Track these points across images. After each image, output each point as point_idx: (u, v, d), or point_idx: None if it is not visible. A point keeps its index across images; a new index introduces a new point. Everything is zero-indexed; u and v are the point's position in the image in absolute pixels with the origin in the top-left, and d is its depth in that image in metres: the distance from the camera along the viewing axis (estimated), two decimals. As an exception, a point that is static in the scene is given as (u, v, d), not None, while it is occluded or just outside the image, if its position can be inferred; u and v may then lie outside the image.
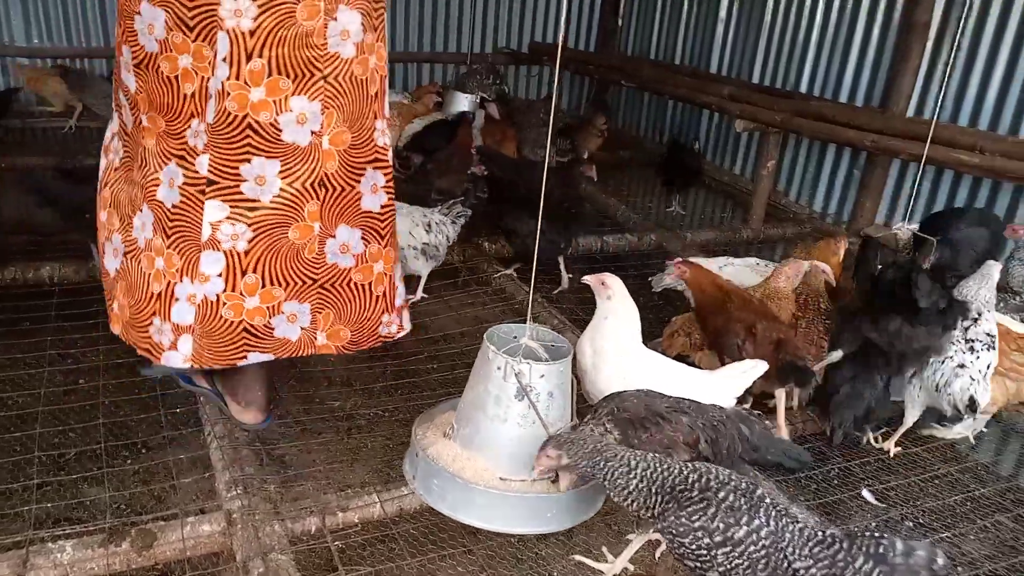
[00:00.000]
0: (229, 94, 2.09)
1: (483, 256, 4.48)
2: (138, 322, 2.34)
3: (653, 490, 1.86)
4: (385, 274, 2.54)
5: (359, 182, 2.38)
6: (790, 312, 3.17)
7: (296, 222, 2.29)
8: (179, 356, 2.33)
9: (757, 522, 1.75)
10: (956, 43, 4.78)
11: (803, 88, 6.01)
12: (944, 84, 4.87)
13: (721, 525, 1.76)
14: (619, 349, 2.63)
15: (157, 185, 2.20)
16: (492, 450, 2.34)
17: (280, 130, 2.16)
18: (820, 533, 1.73)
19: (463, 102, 6.43)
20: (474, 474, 2.32)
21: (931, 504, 2.72)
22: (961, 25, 4.77)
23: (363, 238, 2.45)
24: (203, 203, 2.18)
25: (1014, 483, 2.89)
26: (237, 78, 2.08)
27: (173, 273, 2.26)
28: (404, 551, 2.28)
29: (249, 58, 2.06)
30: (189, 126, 2.15)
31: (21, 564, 2.01)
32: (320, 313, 2.45)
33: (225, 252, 2.25)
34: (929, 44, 4.91)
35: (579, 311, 3.88)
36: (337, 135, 2.27)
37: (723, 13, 6.93)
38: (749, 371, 2.67)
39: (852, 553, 1.67)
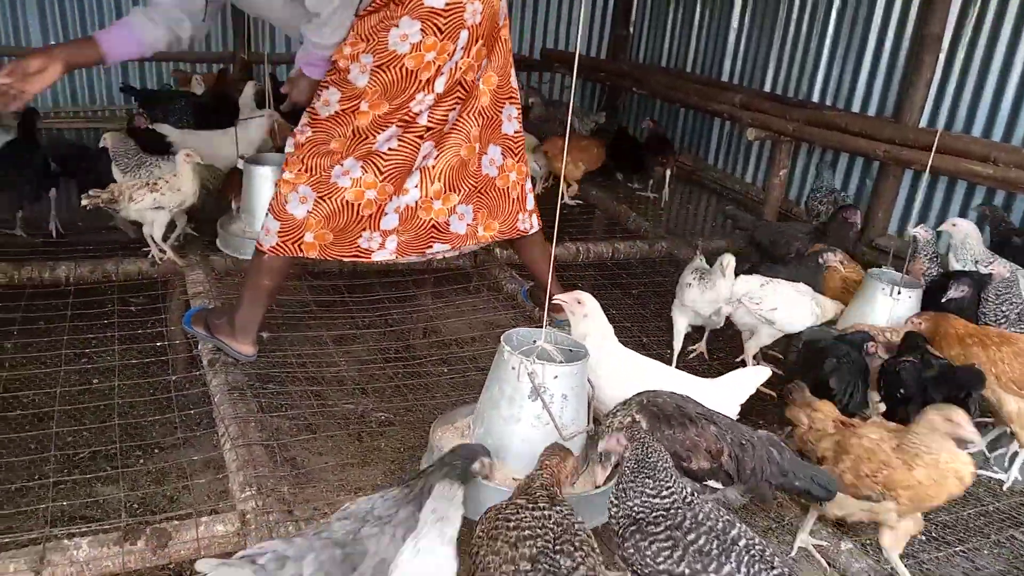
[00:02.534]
0: (461, 68, 2.91)
1: (496, 262, 4.49)
2: (344, 239, 3.06)
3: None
4: (517, 182, 3.38)
5: (501, 112, 3.23)
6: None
7: (466, 143, 3.13)
8: (386, 252, 3.15)
9: (727, 569, 1.71)
10: (968, 54, 4.78)
11: (815, 97, 6.02)
12: (956, 94, 4.87)
13: (687, 571, 1.72)
14: (610, 360, 2.65)
15: (371, 144, 2.92)
16: (505, 449, 2.35)
17: (467, 75, 2.95)
18: None
19: None
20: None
21: (945, 518, 2.71)
22: (970, 36, 4.78)
23: (502, 153, 3.30)
24: (420, 145, 2.99)
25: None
26: (467, 56, 2.89)
27: (384, 197, 3.03)
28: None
29: (476, 41, 2.89)
30: (414, 99, 2.87)
31: (38, 560, 2.02)
32: (479, 212, 3.30)
33: (420, 169, 3.06)
34: (942, 56, 4.91)
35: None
36: (488, 78, 3.11)
37: (735, 22, 6.95)
38: (752, 379, 2.67)
39: None
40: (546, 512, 1.82)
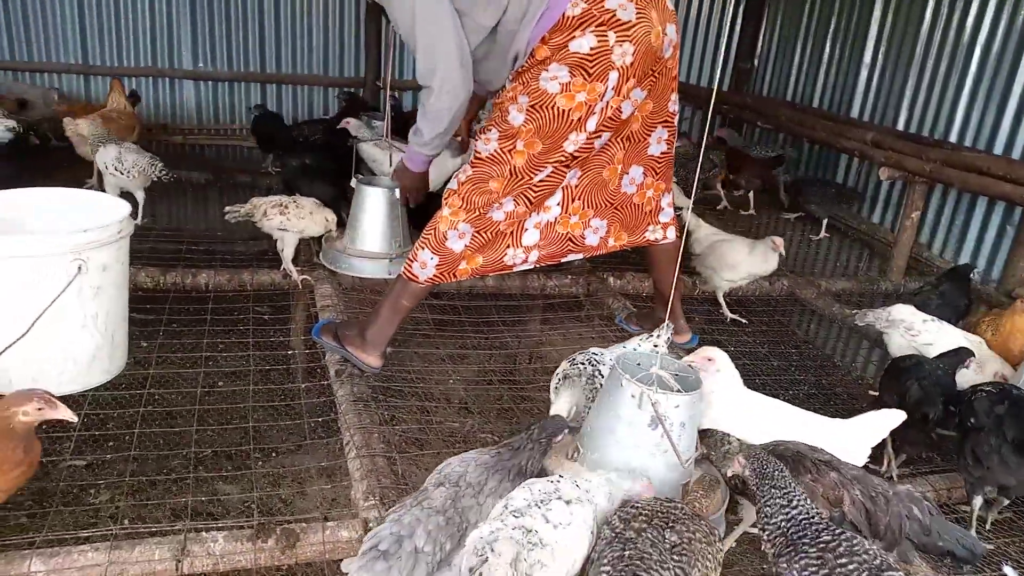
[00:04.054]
0: (612, 107, 2.96)
1: (608, 290, 4.48)
2: (493, 259, 3.25)
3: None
4: (653, 198, 3.49)
5: (651, 135, 3.31)
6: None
7: (609, 165, 3.26)
8: (528, 264, 3.33)
9: None
10: None
11: (953, 137, 5.73)
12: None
13: None
14: (743, 409, 2.61)
15: (527, 181, 3.05)
16: (624, 476, 2.34)
17: (621, 111, 3.01)
18: None
19: None
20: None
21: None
22: None
23: (644, 172, 3.39)
24: (567, 173, 3.13)
25: None
26: (618, 95, 2.93)
27: (524, 217, 3.19)
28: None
29: (627, 80, 2.91)
30: (567, 139, 2.96)
31: (179, 550, 2.14)
32: (612, 225, 3.45)
33: (562, 188, 3.21)
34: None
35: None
36: (644, 105, 3.16)
37: (867, 57, 6.73)
38: (883, 421, 2.58)
39: None
40: (677, 504, 1.97)
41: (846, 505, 2.15)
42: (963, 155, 5.01)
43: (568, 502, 1.96)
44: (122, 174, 4.64)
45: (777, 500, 1.95)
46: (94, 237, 2.90)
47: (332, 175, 4.84)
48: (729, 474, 2.18)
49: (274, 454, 2.84)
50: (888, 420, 2.58)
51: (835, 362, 4.16)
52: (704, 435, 2.47)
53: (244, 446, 2.85)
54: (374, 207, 4.37)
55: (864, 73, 6.77)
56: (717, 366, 2.68)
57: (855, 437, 2.55)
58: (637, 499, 2.06)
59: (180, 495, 2.55)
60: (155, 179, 4.82)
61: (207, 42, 7.67)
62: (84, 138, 5.03)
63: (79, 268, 2.84)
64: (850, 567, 1.78)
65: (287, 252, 4.15)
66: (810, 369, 3.91)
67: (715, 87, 2.70)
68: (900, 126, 6.27)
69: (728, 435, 2.59)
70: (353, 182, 4.52)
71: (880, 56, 6.62)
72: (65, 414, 2.14)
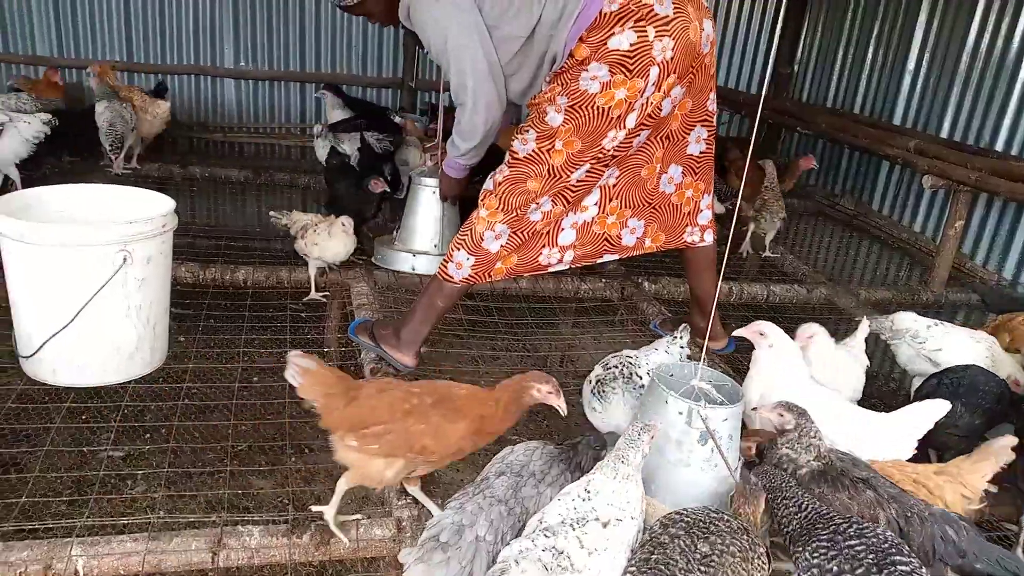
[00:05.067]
0: (652, 103, 2.91)
1: (643, 295, 4.45)
2: (528, 259, 3.23)
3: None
4: (692, 199, 3.44)
5: (689, 135, 3.26)
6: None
7: (648, 164, 3.20)
8: (563, 264, 3.32)
9: None
10: None
11: (999, 146, 5.60)
12: None
13: (835, 569, 1.79)
14: (791, 392, 2.58)
15: (565, 180, 3.03)
16: (672, 494, 2.31)
17: (660, 108, 2.98)
18: None
19: None
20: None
21: None
22: None
23: (683, 172, 3.35)
24: (604, 171, 3.10)
25: None
26: (658, 91, 2.89)
27: (560, 217, 3.17)
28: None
29: (668, 76, 2.87)
30: (606, 136, 2.93)
31: (215, 542, 2.17)
32: (649, 225, 3.39)
33: (600, 187, 3.16)
34: None
35: (741, 358, 3.77)
36: (683, 103, 3.13)
37: (911, 64, 6.60)
38: (929, 413, 2.58)
39: None
40: (725, 515, 1.97)
41: (881, 524, 2.13)
42: (1010, 164, 4.89)
43: (605, 524, 1.90)
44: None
45: (790, 508, 2.03)
46: (139, 229, 2.96)
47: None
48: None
49: (307, 450, 2.85)
50: (933, 412, 2.57)
51: (872, 372, 4.07)
52: (798, 412, 2.40)
53: (278, 441, 2.87)
54: (426, 206, 4.39)
55: (907, 79, 6.64)
56: (770, 341, 2.72)
57: (899, 429, 2.57)
58: (686, 508, 2.04)
59: (215, 488, 2.57)
60: None
61: (249, 41, 7.77)
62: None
63: (124, 259, 2.89)
64: (858, 547, 1.83)
65: (310, 270, 4.12)
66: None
67: (763, 92, 2.65)
68: (944, 134, 6.14)
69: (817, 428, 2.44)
70: (413, 176, 4.57)
71: (924, 62, 6.49)
72: (561, 406, 2.29)
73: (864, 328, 3.26)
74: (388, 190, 4.57)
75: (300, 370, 2.26)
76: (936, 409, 2.58)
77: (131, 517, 2.38)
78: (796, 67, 8.18)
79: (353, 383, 2.36)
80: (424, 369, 3.38)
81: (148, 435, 2.83)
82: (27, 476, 2.52)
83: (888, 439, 2.57)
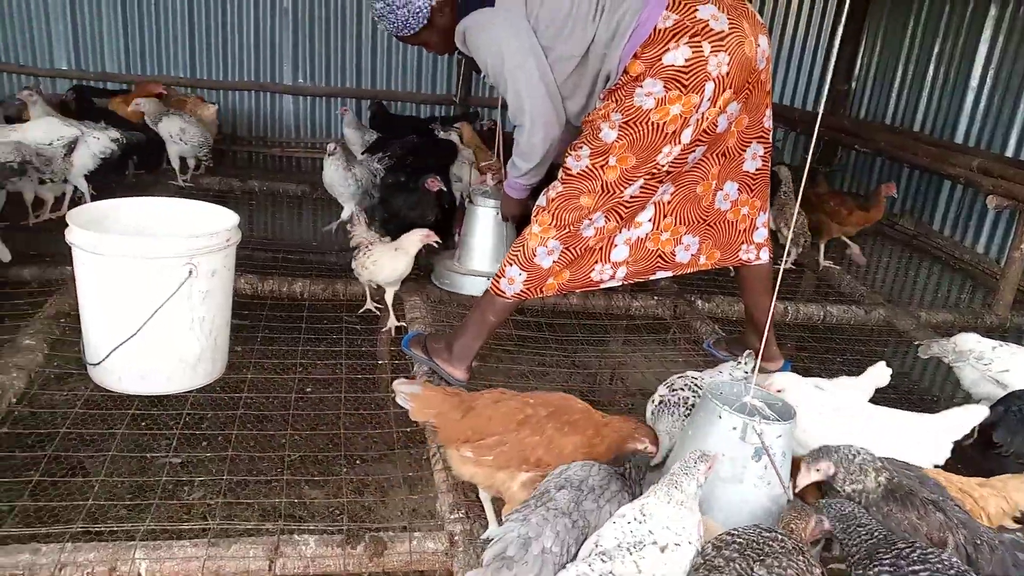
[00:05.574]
0: (708, 119, 2.92)
1: (696, 313, 4.41)
2: (580, 275, 3.25)
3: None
4: (748, 216, 3.40)
5: (746, 150, 3.23)
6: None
7: (703, 180, 3.19)
8: (615, 281, 3.32)
9: None
10: None
11: (1069, 165, 5.43)
12: None
13: None
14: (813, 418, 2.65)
15: (619, 196, 3.04)
16: (724, 511, 2.28)
17: (716, 124, 2.98)
18: None
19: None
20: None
21: None
22: None
23: (739, 189, 3.32)
24: (659, 187, 3.09)
25: None
26: (713, 106, 2.89)
27: (614, 233, 3.18)
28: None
29: (724, 91, 2.87)
30: (661, 152, 2.94)
31: (272, 550, 2.21)
32: (704, 242, 3.37)
33: (654, 203, 3.17)
34: None
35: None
36: (739, 120, 3.10)
37: (974, 81, 6.44)
38: (968, 418, 2.62)
39: None
40: (778, 535, 1.93)
41: (949, 548, 2.08)
42: (1081, 184, 4.74)
43: (663, 548, 1.87)
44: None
45: (861, 535, 1.99)
46: (205, 243, 3.04)
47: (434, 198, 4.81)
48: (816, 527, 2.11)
49: (359, 461, 2.88)
50: (971, 416, 2.62)
51: (934, 396, 3.97)
52: (825, 453, 2.36)
53: (331, 452, 2.91)
54: (484, 226, 4.41)
55: (971, 96, 6.48)
56: (780, 390, 2.70)
57: (937, 431, 2.60)
58: (737, 528, 2.01)
59: (269, 497, 2.61)
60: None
61: (307, 59, 7.96)
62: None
63: (190, 272, 2.98)
64: (922, 573, 1.80)
65: (364, 287, 4.14)
66: (906, 403, 3.73)
67: (820, 109, 2.56)
68: (1009, 152, 5.97)
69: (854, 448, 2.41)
70: (466, 201, 4.58)
71: (989, 79, 6.33)
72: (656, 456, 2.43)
73: (878, 371, 3.05)
74: (444, 188, 4.59)
75: (408, 396, 2.34)
76: (975, 414, 2.61)
77: (189, 523, 2.43)
78: (853, 84, 8.05)
79: (466, 396, 2.42)
80: (473, 383, 3.39)
81: (206, 443, 2.89)
82: (92, 480, 2.60)
83: (924, 441, 2.58)
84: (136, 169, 6.15)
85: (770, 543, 1.88)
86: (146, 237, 3.16)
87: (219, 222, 3.28)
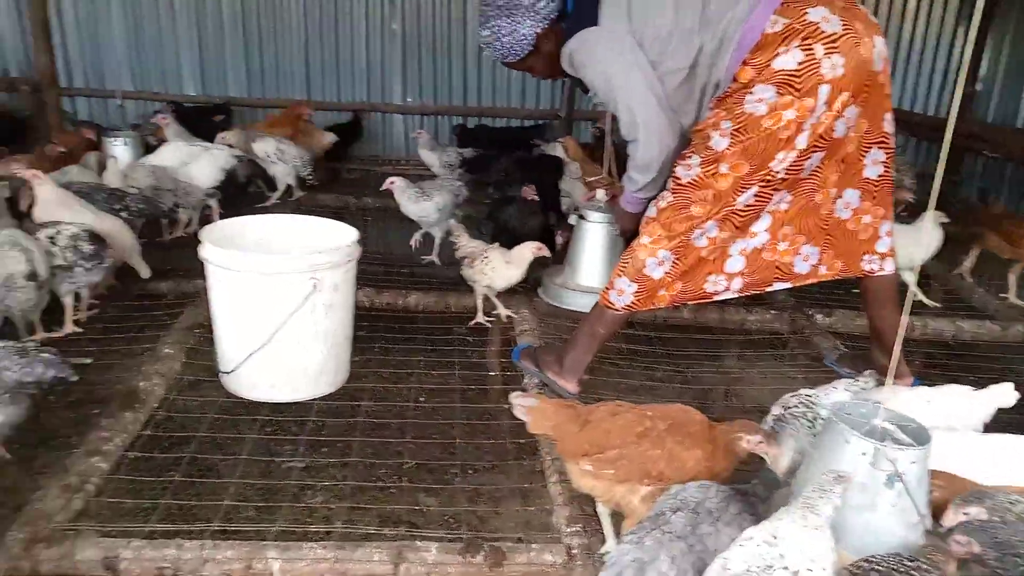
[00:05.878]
0: (824, 123, 2.83)
1: (815, 328, 4.24)
2: (693, 286, 3.19)
3: None
4: (870, 225, 3.24)
5: (865, 156, 3.10)
6: None
7: (822, 188, 3.08)
8: (730, 293, 3.24)
9: None
10: None
11: None
12: None
13: None
14: None
15: (732, 204, 2.98)
16: (856, 540, 2.17)
17: (834, 129, 2.88)
18: None
19: None
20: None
21: None
22: None
23: (860, 197, 3.17)
24: (773, 195, 3.01)
25: None
26: (830, 110, 2.80)
27: (728, 243, 3.11)
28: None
29: (840, 94, 2.78)
30: (774, 158, 2.87)
31: (397, 555, 2.27)
32: (824, 252, 3.25)
33: (771, 212, 3.07)
34: None
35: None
36: (859, 125, 2.99)
37: (1119, 78, 5.97)
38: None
39: None
40: (922, 565, 1.84)
41: None
42: None
43: (795, 573, 1.77)
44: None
45: (1019, 563, 1.88)
46: (328, 259, 3.17)
47: (538, 207, 4.88)
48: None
49: (471, 471, 2.92)
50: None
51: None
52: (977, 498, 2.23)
53: (444, 460, 2.96)
54: (593, 241, 4.41)
55: (1115, 95, 6.01)
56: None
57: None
58: (875, 555, 1.91)
59: (385, 503, 2.68)
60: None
61: (415, 78, 8.19)
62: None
63: (314, 286, 3.11)
64: None
65: (476, 298, 4.20)
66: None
67: (952, 115, 2.39)
68: None
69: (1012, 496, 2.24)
70: (572, 218, 4.59)
71: None
72: (773, 455, 2.34)
73: (1003, 390, 2.81)
74: (537, 198, 4.64)
75: (525, 409, 2.38)
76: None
77: (314, 526, 2.53)
78: (980, 86, 7.60)
79: (583, 408, 2.44)
80: (582, 396, 3.38)
81: (325, 448, 3.00)
82: (227, 481, 2.75)
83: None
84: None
85: (913, 572, 1.78)
86: (273, 253, 3.32)
87: (340, 237, 3.42)
